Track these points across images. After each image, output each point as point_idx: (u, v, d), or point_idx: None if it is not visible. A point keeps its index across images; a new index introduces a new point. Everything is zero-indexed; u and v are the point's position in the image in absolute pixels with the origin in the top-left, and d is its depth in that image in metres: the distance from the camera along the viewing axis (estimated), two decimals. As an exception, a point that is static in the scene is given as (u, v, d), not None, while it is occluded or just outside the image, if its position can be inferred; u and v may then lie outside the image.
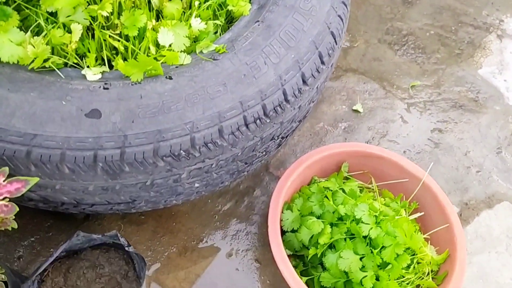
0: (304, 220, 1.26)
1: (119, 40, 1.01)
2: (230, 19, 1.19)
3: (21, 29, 0.96)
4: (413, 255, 1.23)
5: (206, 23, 1.08)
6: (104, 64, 1.02)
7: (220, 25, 1.14)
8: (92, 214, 1.39)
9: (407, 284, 1.21)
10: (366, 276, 1.16)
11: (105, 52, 1.01)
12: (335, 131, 1.66)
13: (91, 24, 1.00)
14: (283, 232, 1.29)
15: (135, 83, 0.95)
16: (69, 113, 0.90)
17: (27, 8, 1.02)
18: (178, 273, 1.33)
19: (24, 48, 0.93)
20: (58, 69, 0.97)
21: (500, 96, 1.81)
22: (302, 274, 1.25)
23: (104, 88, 0.94)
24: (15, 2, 1.00)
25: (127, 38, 1.02)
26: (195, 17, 1.07)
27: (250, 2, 1.14)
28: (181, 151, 0.94)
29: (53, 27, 0.99)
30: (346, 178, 1.41)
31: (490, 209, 1.53)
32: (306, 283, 1.19)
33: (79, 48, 1.02)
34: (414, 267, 1.23)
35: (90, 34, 1.03)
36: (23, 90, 0.92)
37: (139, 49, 1.02)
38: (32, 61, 0.94)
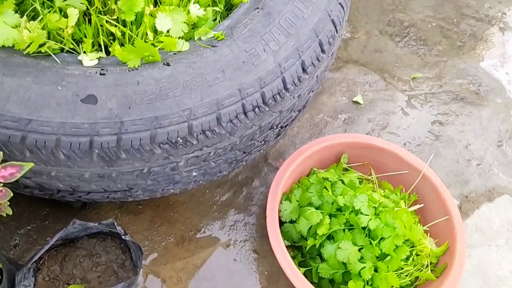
0: (302, 211, 1.25)
1: (116, 26, 1.00)
2: (230, 6, 1.17)
3: (16, 13, 0.94)
4: (412, 247, 1.22)
5: (205, 10, 1.06)
6: (101, 50, 1.00)
7: (219, 11, 1.12)
8: (89, 203, 1.38)
9: (406, 276, 1.20)
10: (364, 267, 1.15)
11: (102, 37, 1.00)
12: (335, 122, 1.65)
13: (87, 8, 0.98)
14: (281, 223, 1.28)
15: (132, 69, 0.94)
16: (65, 98, 0.89)
17: (23, -9, 1.00)
18: (176, 263, 1.32)
19: (20, 32, 0.91)
20: (54, 54, 0.95)
21: (501, 89, 1.80)
22: (300, 265, 1.24)
23: (101, 74, 0.93)
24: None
25: (124, 24, 1.01)
26: (193, 3, 1.05)
27: (250, -11, 1.13)
28: (179, 139, 0.93)
29: (49, 12, 0.97)
30: (346, 170, 1.40)
31: (490, 202, 1.52)
32: (304, 274, 1.18)
33: (75, 33, 1.00)
34: (413, 259, 1.22)
35: (86, 19, 1.02)
36: (18, 75, 0.90)
37: (137, 35, 1.00)
38: (28, 46, 0.93)
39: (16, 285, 1.06)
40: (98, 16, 0.99)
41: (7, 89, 0.89)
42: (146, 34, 1.00)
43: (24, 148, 0.89)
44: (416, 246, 1.22)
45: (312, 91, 1.16)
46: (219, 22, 1.11)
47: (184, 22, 1.01)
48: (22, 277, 1.08)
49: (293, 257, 1.25)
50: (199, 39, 1.02)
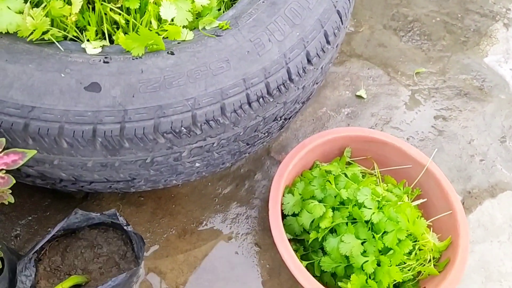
0: (305, 204, 1.24)
1: (120, 14, 0.99)
2: (234, -4, 1.17)
3: (20, -1, 0.93)
4: (415, 241, 1.21)
5: (209, -1, 1.05)
6: (105, 39, 1.00)
7: (224, 1, 1.11)
8: (90, 194, 1.38)
9: (408, 270, 1.19)
10: (367, 261, 1.14)
11: (105, 25, 0.99)
12: (338, 116, 1.64)
13: (91, -4, 0.98)
14: (283, 216, 1.27)
15: (136, 58, 0.93)
16: (68, 86, 0.88)
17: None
18: (177, 255, 1.31)
19: (24, 18, 0.91)
20: (57, 41, 0.94)
21: (505, 85, 1.79)
22: (302, 258, 1.24)
23: (104, 62, 0.92)
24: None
25: (128, 12, 1.00)
26: (198, -8, 1.05)
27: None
28: (182, 128, 0.92)
29: (53, -1, 0.96)
30: (349, 163, 1.40)
31: (493, 198, 1.52)
32: (306, 267, 1.18)
33: (79, 21, 0.99)
34: (415, 253, 1.21)
35: (90, 7, 1.01)
36: (21, 62, 0.90)
37: (141, 23, 0.99)
38: (31, 33, 0.92)
39: (17, 275, 1.06)
40: (102, 4, 0.98)
41: (10, 75, 0.88)
42: (150, 22, 0.99)
43: (27, 136, 0.89)
44: (419, 241, 1.21)
45: (317, 83, 1.16)
46: (223, 12, 1.10)
47: (189, 11, 1.00)
48: (23, 267, 1.08)
49: (295, 251, 1.24)
50: (204, 28, 1.02)
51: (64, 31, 0.98)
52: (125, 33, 0.97)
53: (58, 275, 1.15)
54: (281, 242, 1.17)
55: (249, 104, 0.97)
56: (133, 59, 0.93)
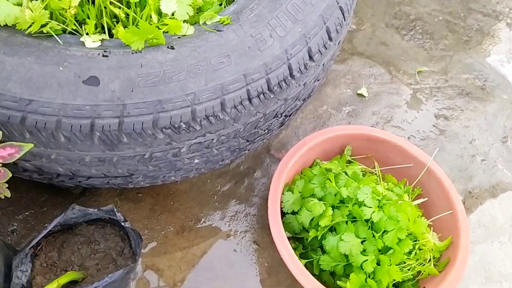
0: (305, 202, 1.23)
1: (120, 7, 0.98)
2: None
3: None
4: (415, 241, 1.20)
5: (210, -7, 1.04)
6: (104, 32, 0.98)
7: (225, -4, 1.10)
8: (88, 190, 1.37)
9: (408, 270, 1.18)
10: (366, 260, 1.13)
11: (105, 19, 0.98)
12: (338, 114, 1.63)
13: (91, -11, 0.96)
14: (283, 214, 1.26)
15: (136, 52, 0.92)
16: (67, 79, 0.87)
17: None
18: (175, 252, 1.30)
19: (22, 10, 0.89)
20: (56, 35, 0.93)
21: (508, 85, 1.78)
22: (301, 256, 1.23)
23: (103, 56, 0.91)
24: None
25: (128, 5, 0.99)
26: (199, -14, 1.03)
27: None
28: (182, 123, 0.91)
29: (52, -9, 0.95)
30: (349, 162, 1.38)
31: (494, 198, 1.51)
32: (305, 266, 1.17)
33: (78, 14, 0.98)
34: (415, 253, 1.20)
35: (90, 0, 1.00)
36: (20, 54, 0.88)
37: (141, 17, 0.98)
38: (30, 26, 0.91)
39: (13, 270, 1.05)
40: (101, -3, 0.97)
41: (8, 68, 0.87)
42: (151, 16, 0.98)
43: (24, 129, 0.87)
44: (419, 240, 1.20)
45: (318, 80, 1.14)
46: (224, 7, 1.09)
47: (190, 5, 0.98)
48: (19, 262, 1.06)
49: (294, 249, 1.23)
50: (204, 23, 1.01)
51: (63, 24, 0.97)
52: (125, 27, 0.96)
53: (55, 271, 1.14)
54: (280, 240, 1.16)
55: (250, 100, 0.96)
56: (132, 53, 0.92)
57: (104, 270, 1.15)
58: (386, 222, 1.15)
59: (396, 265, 1.15)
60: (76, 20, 0.98)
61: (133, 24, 0.98)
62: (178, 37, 0.97)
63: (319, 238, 1.19)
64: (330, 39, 1.05)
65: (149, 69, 0.90)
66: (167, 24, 0.95)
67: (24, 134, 0.88)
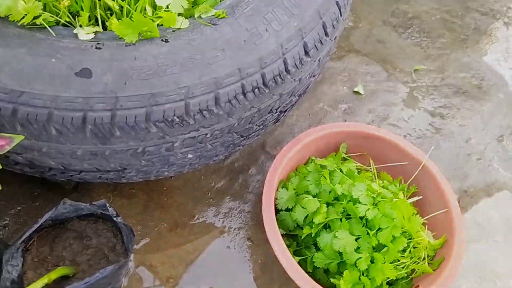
0: (299, 199, 1.22)
1: (114, -1, 0.97)
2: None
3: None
4: (410, 239, 1.19)
5: (206, -13, 1.03)
6: (98, 25, 0.97)
7: (221, -10, 1.09)
8: (81, 185, 1.35)
9: (402, 268, 1.18)
10: (360, 257, 1.12)
11: (99, 11, 0.96)
12: (334, 112, 1.62)
13: (85, -19, 0.95)
14: (277, 211, 1.25)
15: (129, 44, 0.91)
16: (59, 71, 0.86)
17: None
18: (168, 249, 1.29)
19: (15, 2, 0.88)
20: (49, 26, 0.92)
21: (504, 84, 1.77)
22: (295, 254, 1.22)
23: (97, 48, 0.89)
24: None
25: (122, -2, 0.98)
26: (195, -21, 1.02)
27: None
28: (175, 117, 0.90)
29: (45, -18, 0.94)
30: (344, 159, 1.38)
31: (490, 197, 1.50)
32: (299, 263, 1.16)
33: (72, 6, 0.97)
34: (410, 251, 1.19)
35: (84, -9, 0.99)
36: (11, 46, 0.87)
37: (135, 9, 0.97)
38: (23, 17, 0.90)
39: (4, 265, 1.03)
40: (95, -11, 0.96)
41: (0, 59, 0.85)
42: (145, 9, 0.97)
43: (16, 122, 0.86)
44: (413, 238, 1.19)
45: (314, 76, 1.14)
46: (220, 0, 1.08)
47: (184, -2, 0.97)
48: (9, 256, 1.05)
49: (288, 246, 1.22)
50: (200, 16, 0.99)
51: (57, 16, 0.96)
52: (119, 19, 0.95)
53: (46, 266, 1.13)
54: (273, 237, 1.15)
55: (244, 94, 0.95)
56: (126, 45, 0.91)
57: (96, 265, 1.14)
58: (380, 219, 1.14)
59: (390, 263, 1.14)
60: (69, 12, 0.97)
61: (127, 16, 0.97)
62: (173, 30, 0.96)
63: (313, 235, 1.18)
64: (326, 34, 1.05)
65: (143, 62, 0.89)
66: (161, 17, 0.94)
67: (15, 126, 0.87)
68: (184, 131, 0.95)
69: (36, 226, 1.06)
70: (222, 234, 1.33)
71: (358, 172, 1.34)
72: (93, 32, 0.93)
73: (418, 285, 1.18)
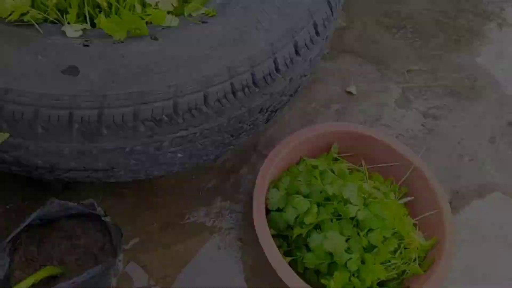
0: (290, 200, 1.22)
1: (102, -4, 0.96)
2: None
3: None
4: (401, 239, 1.19)
5: (196, -16, 1.02)
6: (86, 22, 0.96)
7: (211, -12, 1.08)
8: (70, 185, 1.34)
9: (393, 269, 1.17)
10: (351, 258, 1.12)
11: (87, 8, 0.96)
12: (327, 112, 1.62)
13: (73, -23, 0.94)
14: (268, 212, 1.25)
15: (118, 42, 0.90)
16: (45, 68, 0.85)
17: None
18: (158, 248, 1.28)
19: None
20: (37, 24, 0.91)
21: (497, 85, 1.77)
22: (285, 254, 1.21)
23: (84, 45, 0.89)
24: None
25: (111, -5, 0.97)
26: (185, -23, 1.01)
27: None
28: (163, 116, 0.89)
29: (33, -21, 0.93)
30: (336, 160, 1.37)
31: (481, 198, 1.50)
32: (290, 264, 1.15)
33: (60, 3, 0.96)
34: (401, 252, 1.19)
35: (72, -12, 0.98)
36: (-3, 43, 0.86)
37: (124, 7, 0.96)
38: (10, 14, 0.89)
39: (-10, 264, 1.02)
40: (84, -14, 0.95)
41: (-15, 56, 0.85)
42: (134, 6, 0.96)
43: (1, 119, 0.85)
44: (404, 239, 1.19)
45: (305, 76, 1.13)
46: (211, -1, 1.07)
47: (174, -4, 0.97)
48: (-4, 256, 1.04)
49: (279, 247, 1.21)
50: (190, 15, 0.99)
51: (45, 13, 0.95)
52: (107, 16, 0.94)
53: (34, 266, 1.12)
54: (264, 237, 1.14)
55: (234, 93, 0.94)
56: (114, 43, 0.90)
57: (84, 265, 1.13)
58: (371, 220, 1.14)
59: (381, 263, 1.13)
60: (58, 9, 0.96)
61: (115, 14, 0.96)
62: (162, 28, 0.95)
63: (304, 236, 1.17)
64: (317, 33, 1.04)
65: (131, 60, 0.88)
66: (150, 15, 0.93)
67: (1, 124, 0.86)
68: (173, 130, 0.94)
69: (23, 225, 1.05)
70: (213, 234, 1.32)
71: (350, 173, 1.33)
72: (81, 29, 0.93)
73: (409, 286, 1.18)
